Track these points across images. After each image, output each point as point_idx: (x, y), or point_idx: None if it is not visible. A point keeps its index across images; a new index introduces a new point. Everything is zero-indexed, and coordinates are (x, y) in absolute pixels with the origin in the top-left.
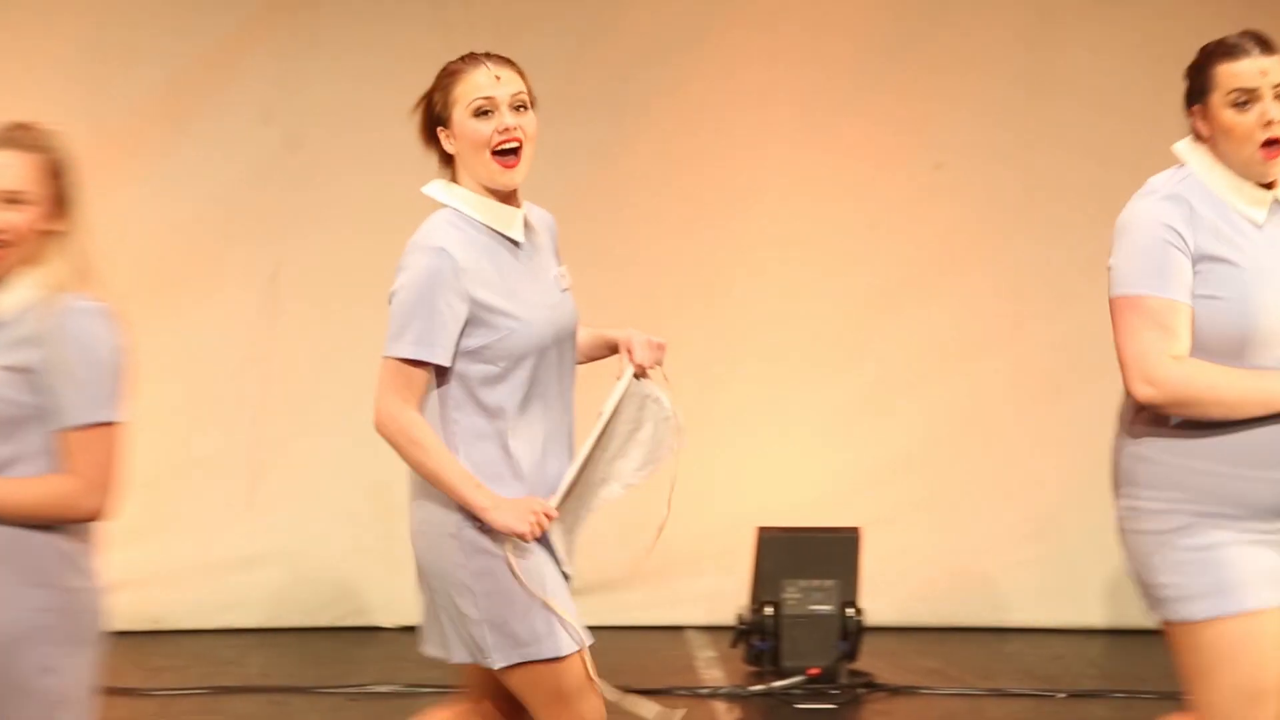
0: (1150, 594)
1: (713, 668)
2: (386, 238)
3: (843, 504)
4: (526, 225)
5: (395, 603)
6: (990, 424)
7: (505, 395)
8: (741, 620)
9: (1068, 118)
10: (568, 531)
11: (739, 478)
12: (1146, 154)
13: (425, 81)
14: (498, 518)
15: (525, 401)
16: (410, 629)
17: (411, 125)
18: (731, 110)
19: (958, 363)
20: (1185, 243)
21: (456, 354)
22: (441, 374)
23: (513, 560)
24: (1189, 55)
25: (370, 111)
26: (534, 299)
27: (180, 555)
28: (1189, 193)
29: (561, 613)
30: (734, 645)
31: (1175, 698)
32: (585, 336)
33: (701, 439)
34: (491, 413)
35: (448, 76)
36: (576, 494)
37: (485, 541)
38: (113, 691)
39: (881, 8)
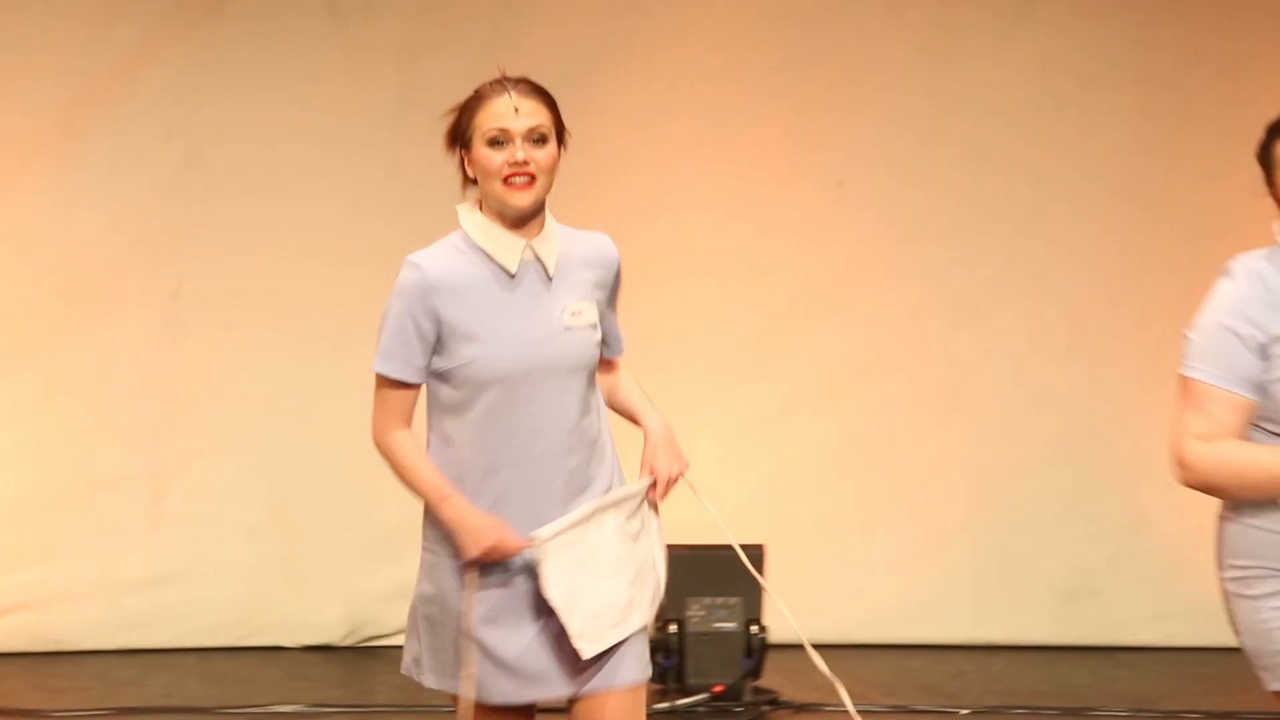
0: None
1: None
2: (289, 255)
3: (747, 521)
4: (540, 258)
5: (298, 622)
6: (893, 440)
7: (463, 427)
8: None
9: (969, 132)
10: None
11: None
12: (1048, 168)
13: (327, 98)
14: (459, 536)
15: (481, 437)
16: (313, 648)
17: (311, 142)
18: (634, 126)
19: (861, 379)
20: (1255, 328)
21: (430, 372)
22: (432, 386)
23: (468, 586)
24: (1088, 70)
25: (272, 128)
26: (510, 330)
27: (82, 575)
28: (1269, 272)
29: (466, 665)
30: None
31: (1077, 713)
32: (626, 397)
33: None
34: (448, 440)
35: (473, 100)
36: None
37: (440, 563)
38: (14, 713)
39: (783, 24)
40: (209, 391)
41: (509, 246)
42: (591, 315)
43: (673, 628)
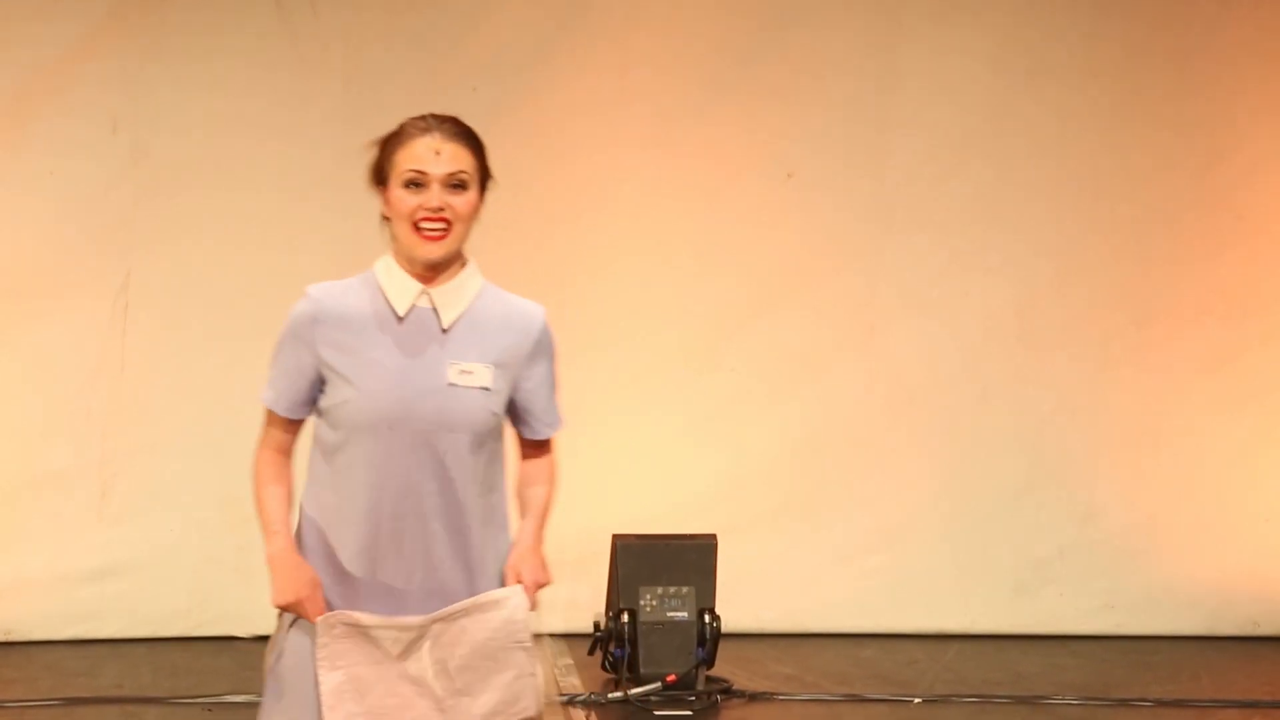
0: None
1: (570, 675)
2: (237, 247)
3: (698, 511)
4: (436, 307)
5: (249, 612)
6: (844, 431)
7: (334, 470)
8: (598, 628)
9: (919, 123)
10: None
11: (594, 485)
12: (998, 159)
13: (273, 89)
14: (271, 574)
15: (349, 483)
16: (265, 638)
17: (258, 132)
18: (582, 118)
19: (812, 370)
20: None
21: (312, 408)
22: (315, 423)
23: (281, 628)
24: (1035, 55)
25: (219, 120)
26: (388, 377)
27: (31, 567)
28: None
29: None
30: (591, 653)
31: (1029, 701)
32: (528, 496)
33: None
34: (319, 480)
35: (395, 137)
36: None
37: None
38: None
39: (733, 15)
40: (157, 384)
41: (403, 289)
42: (484, 379)
43: (625, 618)
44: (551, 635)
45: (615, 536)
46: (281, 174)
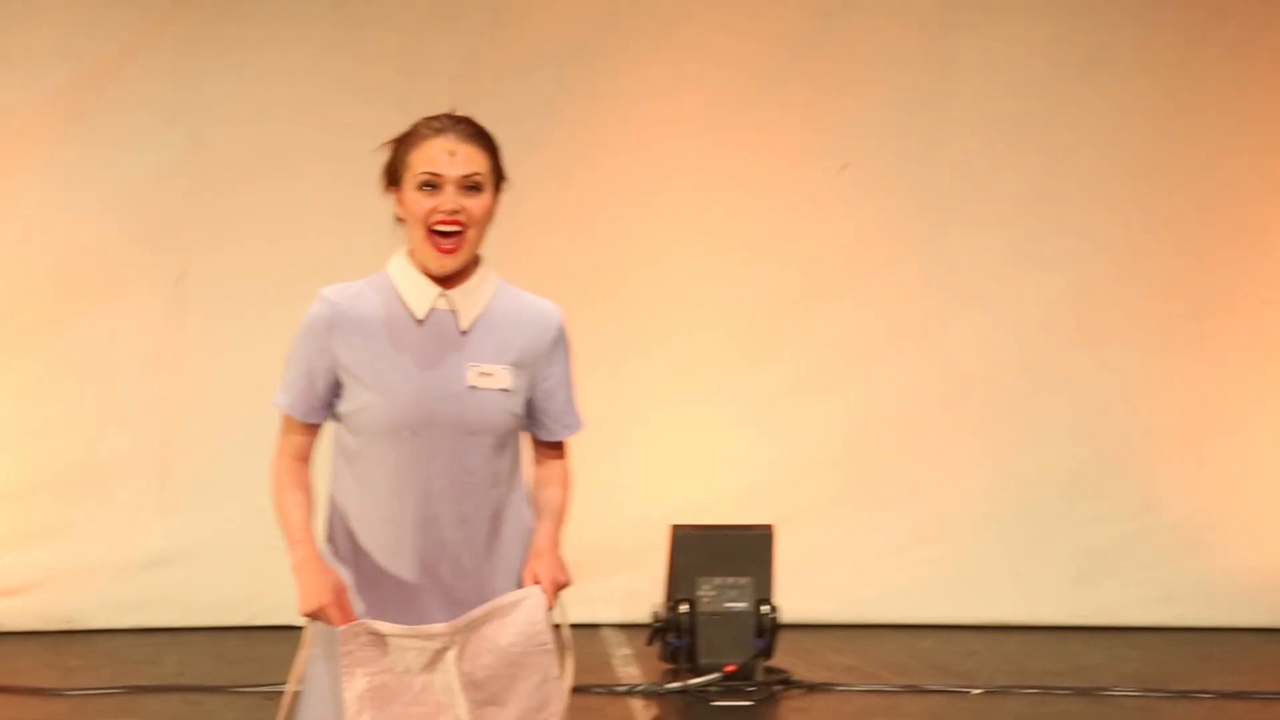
0: None
1: (629, 665)
2: (294, 237)
3: (756, 502)
4: (455, 309)
5: None
6: (902, 421)
7: (356, 476)
8: (657, 618)
9: (976, 113)
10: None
11: (652, 476)
12: (1055, 148)
13: (330, 79)
14: (296, 582)
15: (372, 489)
16: None
17: (315, 122)
18: (637, 107)
19: (868, 360)
20: None
21: (330, 413)
22: (335, 429)
23: (306, 635)
24: (1092, 44)
25: (276, 110)
26: (408, 380)
27: (91, 555)
28: None
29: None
30: (650, 643)
31: (1089, 693)
32: (544, 500)
33: (614, 438)
34: (342, 487)
35: (408, 137)
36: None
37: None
38: (26, 692)
39: (785, 6)
40: (215, 373)
41: (421, 292)
42: (504, 380)
43: (684, 608)
44: (610, 626)
45: (673, 527)
46: (338, 164)
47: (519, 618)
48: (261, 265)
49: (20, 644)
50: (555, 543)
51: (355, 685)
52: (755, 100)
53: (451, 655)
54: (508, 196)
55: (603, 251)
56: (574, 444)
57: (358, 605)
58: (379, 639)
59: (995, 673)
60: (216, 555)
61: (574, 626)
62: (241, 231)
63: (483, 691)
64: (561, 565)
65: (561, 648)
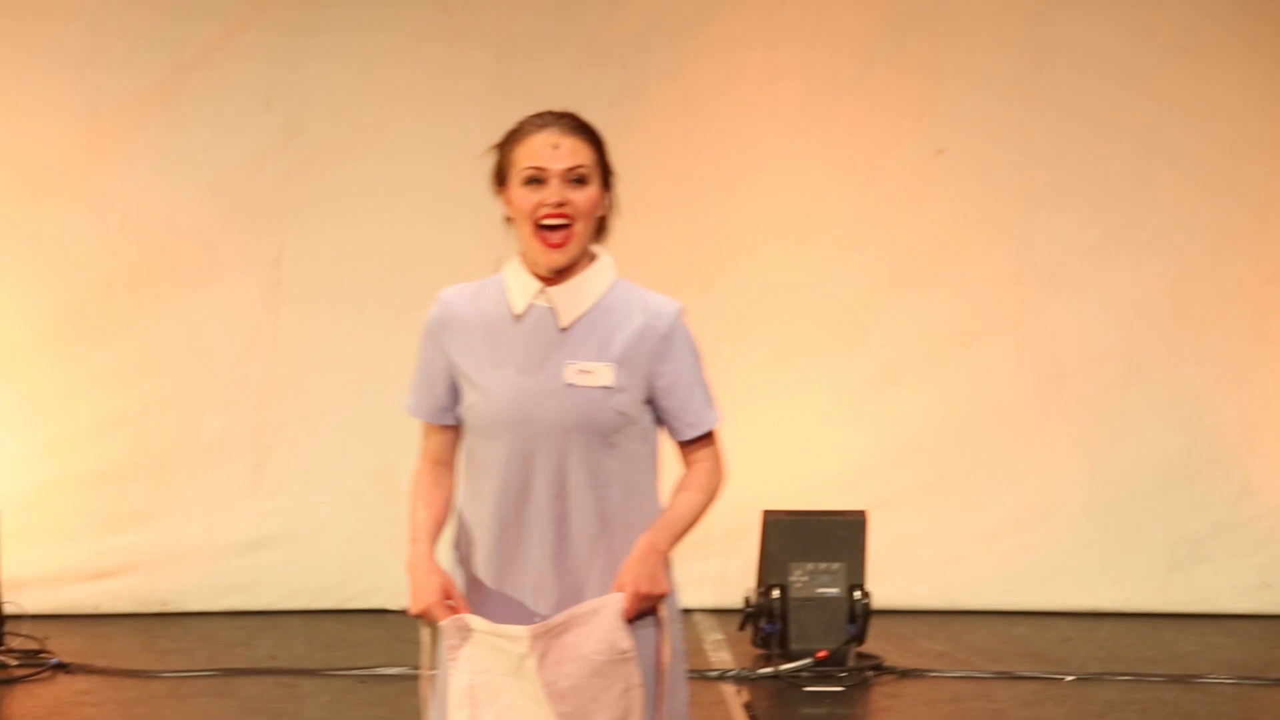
0: None
1: (721, 650)
2: (389, 221)
3: (849, 487)
4: (554, 305)
5: (401, 585)
6: (996, 407)
7: (470, 474)
8: (749, 603)
9: (1070, 97)
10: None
11: (744, 461)
12: (1150, 133)
13: (425, 62)
14: (408, 581)
15: (480, 486)
16: None
17: (411, 104)
18: (733, 93)
19: (963, 346)
20: None
21: (455, 414)
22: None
23: (423, 635)
24: (1192, 29)
25: (371, 93)
26: (506, 378)
27: (187, 538)
28: None
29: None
30: (742, 628)
31: (1183, 680)
32: (671, 502)
33: None
34: (464, 485)
35: (512, 135)
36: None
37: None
38: (122, 673)
39: None
40: (311, 357)
41: (522, 289)
42: (605, 378)
43: (776, 593)
44: (702, 611)
45: (765, 512)
46: (433, 146)
47: (599, 625)
48: (357, 249)
49: (116, 626)
50: (653, 550)
51: (459, 679)
52: (850, 86)
53: (532, 663)
54: None
55: (696, 238)
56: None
57: (470, 604)
58: (469, 634)
59: (1088, 659)
60: (310, 539)
61: None
62: (337, 215)
63: (567, 703)
64: (653, 575)
65: (659, 661)
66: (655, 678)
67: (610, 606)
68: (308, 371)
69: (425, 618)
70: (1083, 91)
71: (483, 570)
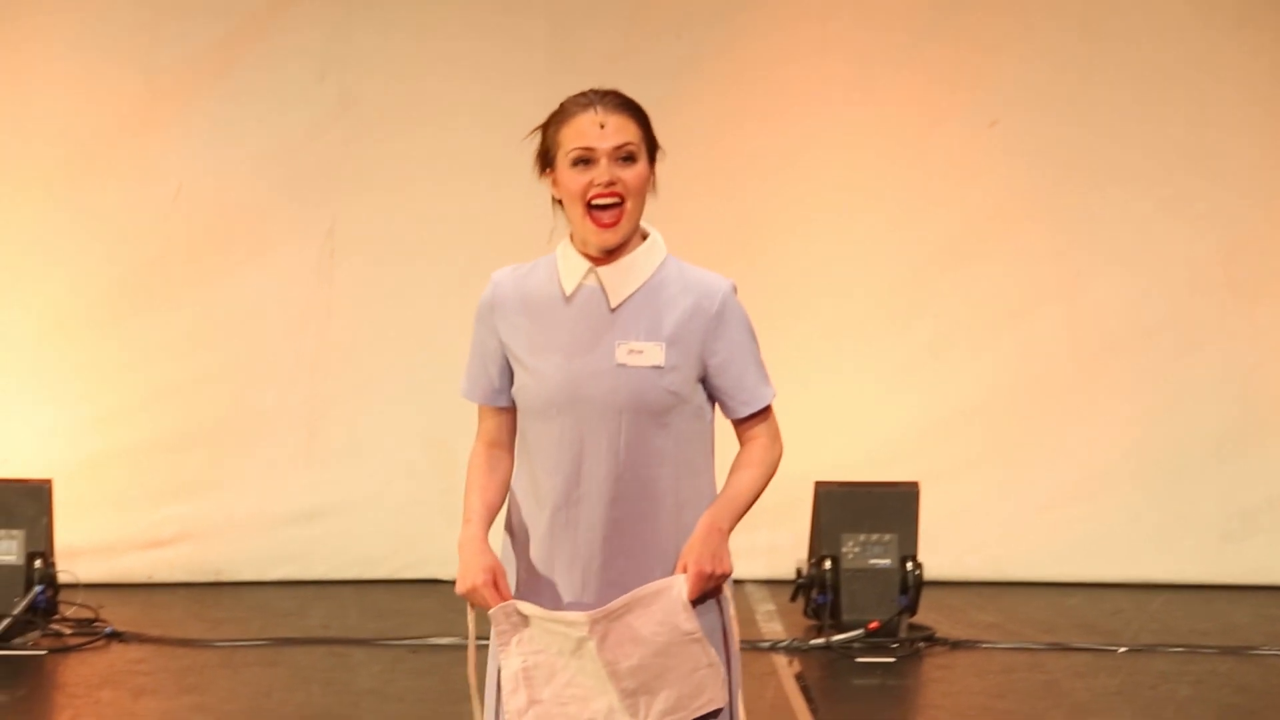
0: None
1: (772, 621)
2: (442, 192)
3: (901, 459)
4: (604, 285)
5: (453, 555)
6: (1048, 379)
7: (523, 455)
8: (801, 574)
9: (1125, 69)
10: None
11: (797, 433)
12: (1206, 104)
13: (479, 32)
14: (459, 560)
15: (533, 467)
16: None
17: (464, 74)
18: (786, 66)
19: (1015, 318)
20: None
21: (510, 395)
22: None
23: (470, 617)
24: (1245, 6)
25: (425, 64)
26: (557, 358)
27: (240, 509)
28: None
29: (475, 708)
30: (794, 599)
31: (1237, 652)
32: (730, 479)
33: None
34: (518, 466)
35: (557, 116)
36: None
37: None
38: (175, 642)
39: None
40: (364, 328)
41: (572, 268)
42: (656, 357)
43: (828, 564)
44: (754, 581)
45: (817, 484)
46: (486, 117)
47: (661, 607)
48: (409, 219)
49: (170, 595)
50: (715, 529)
51: (511, 663)
52: (903, 59)
53: (592, 646)
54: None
55: (749, 211)
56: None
57: (520, 584)
58: (524, 620)
59: (1141, 631)
60: (363, 510)
61: None
62: (390, 186)
63: (631, 680)
64: (714, 554)
65: (725, 639)
66: (724, 657)
67: (674, 588)
68: (360, 342)
69: (471, 599)
70: (1137, 63)
71: (535, 551)
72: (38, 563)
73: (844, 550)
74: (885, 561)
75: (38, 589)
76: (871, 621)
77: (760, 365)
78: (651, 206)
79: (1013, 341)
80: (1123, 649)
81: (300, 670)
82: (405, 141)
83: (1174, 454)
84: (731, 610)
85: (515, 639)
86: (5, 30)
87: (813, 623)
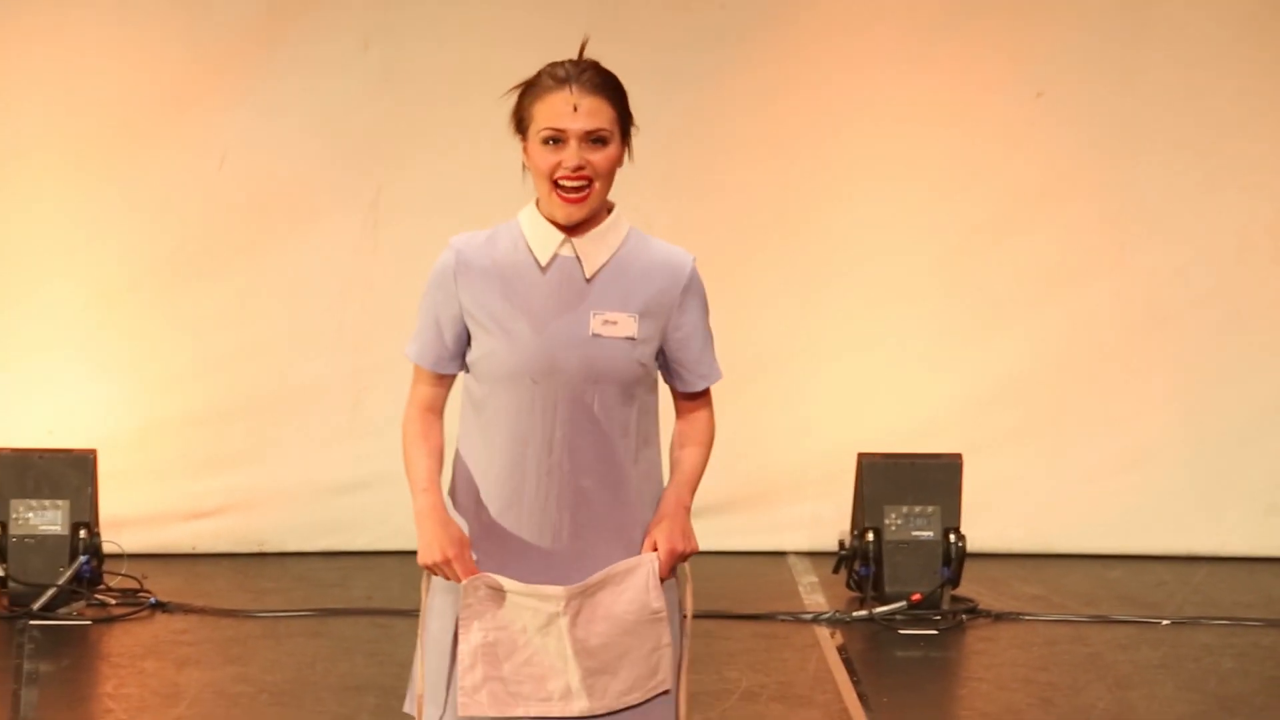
0: None
1: (815, 593)
2: (487, 162)
3: (944, 430)
4: (579, 256)
5: None
6: (1093, 350)
7: (482, 425)
8: (843, 546)
9: (1173, 38)
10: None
11: (840, 403)
12: (1255, 74)
13: (522, 2)
14: (418, 532)
15: (496, 438)
16: None
17: (510, 43)
18: (831, 36)
19: (1060, 289)
20: None
21: (459, 363)
22: (464, 378)
23: (424, 586)
24: None
25: (470, 33)
26: (530, 328)
27: (284, 479)
28: None
29: (419, 685)
30: (836, 571)
31: (1279, 625)
32: (678, 458)
33: (802, 365)
34: (470, 437)
35: (530, 88)
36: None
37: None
38: (219, 613)
39: None
40: (407, 297)
41: (546, 238)
42: (629, 328)
43: (870, 536)
44: (797, 553)
45: (860, 455)
46: None
47: (633, 584)
48: (454, 189)
49: (214, 566)
50: (681, 507)
51: (471, 638)
52: (948, 28)
53: (564, 622)
54: (700, 126)
55: (794, 181)
56: (763, 374)
57: (482, 556)
58: (497, 594)
59: (1184, 603)
60: (406, 480)
61: (759, 554)
62: (434, 155)
63: (595, 659)
64: (684, 532)
65: (681, 617)
66: (679, 632)
67: (645, 566)
68: (405, 313)
69: (439, 570)
70: (1185, 31)
71: (494, 522)
72: (82, 533)
73: (887, 522)
74: (928, 533)
75: (82, 559)
76: (914, 594)
77: (712, 338)
78: (699, 177)
79: (1058, 312)
80: (1166, 622)
81: (344, 641)
82: (449, 111)
83: (1219, 426)
84: (690, 586)
85: (479, 613)
86: (50, 5)
87: (855, 595)
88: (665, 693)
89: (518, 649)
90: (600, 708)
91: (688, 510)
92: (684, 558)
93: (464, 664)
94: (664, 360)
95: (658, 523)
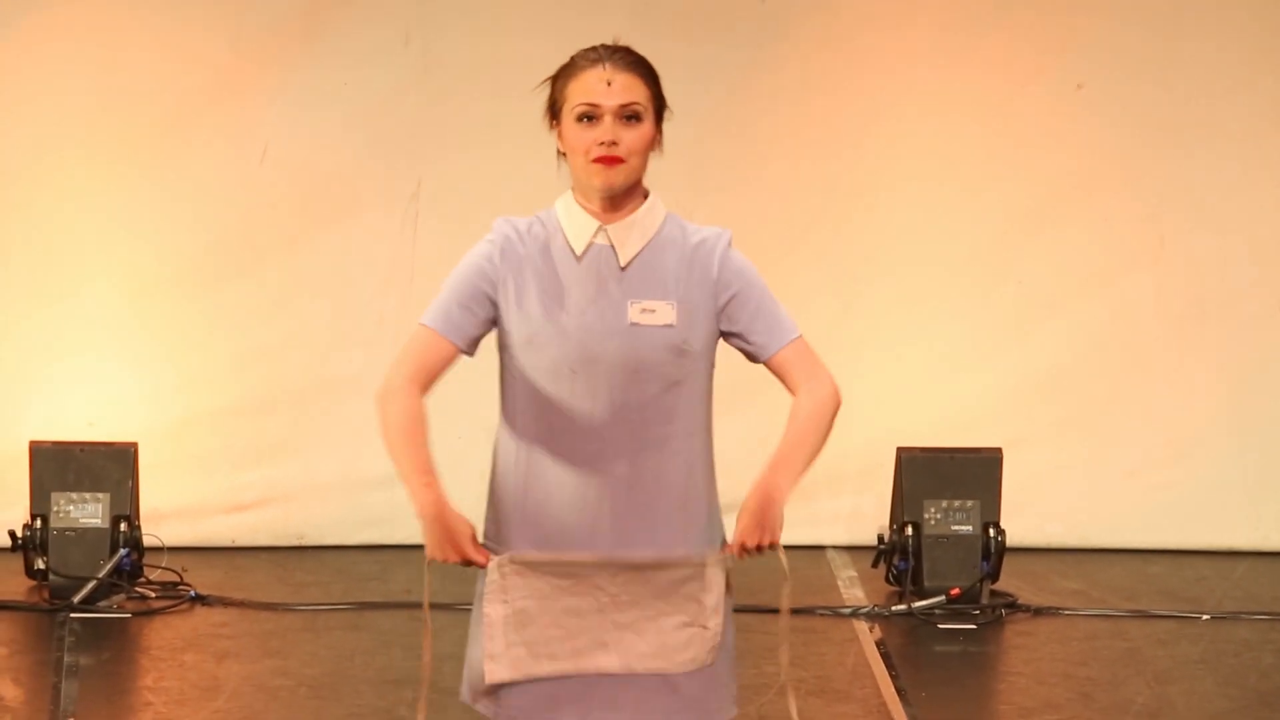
0: None
1: (854, 587)
2: (528, 155)
3: (984, 424)
4: (614, 244)
5: None
6: (1133, 344)
7: (520, 413)
8: (882, 540)
9: (1213, 31)
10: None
11: (879, 397)
12: None
13: None
14: (422, 528)
15: (533, 426)
16: None
17: (549, 37)
18: (871, 29)
19: (1101, 283)
20: None
21: (473, 344)
22: (503, 365)
23: (426, 580)
24: None
25: (510, 25)
26: (567, 316)
27: (323, 472)
28: None
29: (472, 661)
30: (875, 565)
31: None
32: (786, 433)
33: (841, 359)
34: (510, 425)
35: (566, 69)
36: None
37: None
38: (258, 606)
39: None
40: None
41: (581, 226)
42: (668, 315)
43: (909, 530)
44: (835, 547)
45: (900, 449)
46: None
47: (684, 574)
48: (494, 182)
49: (253, 559)
50: (763, 494)
51: (496, 611)
52: (987, 21)
53: (600, 579)
54: (738, 119)
55: (833, 175)
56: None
57: (517, 541)
58: (526, 567)
59: (1224, 599)
60: (446, 474)
61: (798, 548)
62: (474, 148)
63: (622, 615)
64: (760, 524)
65: (724, 594)
66: (727, 619)
67: (710, 566)
68: None
69: (455, 562)
70: (1225, 23)
71: (539, 508)
72: (123, 526)
73: (926, 516)
74: (967, 528)
75: (123, 552)
76: (953, 588)
77: (776, 302)
78: (737, 170)
79: (1099, 306)
80: (1205, 617)
81: (382, 634)
82: (490, 104)
83: (1261, 420)
84: (786, 587)
85: (505, 587)
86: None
87: (894, 589)
88: (711, 680)
89: (543, 614)
90: (626, 666)
91: (770, 496)
92: (758, 551)
93: (487, 634)
94: (735, 341)
95: (740, 514)
